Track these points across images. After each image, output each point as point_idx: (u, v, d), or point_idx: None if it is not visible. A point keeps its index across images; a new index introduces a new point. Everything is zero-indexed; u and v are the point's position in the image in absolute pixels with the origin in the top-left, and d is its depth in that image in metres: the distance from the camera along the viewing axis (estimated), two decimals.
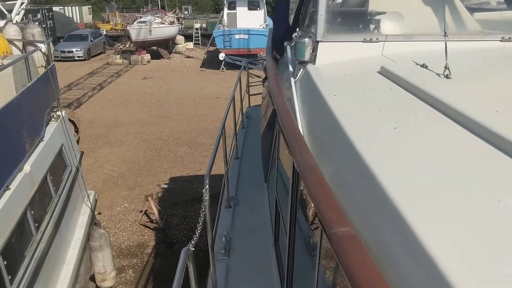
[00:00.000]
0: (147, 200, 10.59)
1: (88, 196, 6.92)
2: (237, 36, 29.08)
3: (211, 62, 31.65)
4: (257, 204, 4.72)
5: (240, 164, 5.98)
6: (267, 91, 4.87)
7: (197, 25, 40.76)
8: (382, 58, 3.27)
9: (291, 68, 3.63)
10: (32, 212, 5.66)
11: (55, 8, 46.47)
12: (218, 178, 6.59)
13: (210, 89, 24.35)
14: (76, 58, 33.61)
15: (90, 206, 6.74)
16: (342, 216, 1.56)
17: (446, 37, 2.77)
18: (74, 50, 33.77)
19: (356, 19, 4.03)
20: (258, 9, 31.47)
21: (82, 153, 7.47)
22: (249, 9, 31.36)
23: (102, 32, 40.78)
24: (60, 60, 33.01)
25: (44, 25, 37.66)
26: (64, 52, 33.69)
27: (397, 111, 2.46)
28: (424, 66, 2.89)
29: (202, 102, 21.55)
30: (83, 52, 33.97)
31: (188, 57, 35.20)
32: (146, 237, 10.14)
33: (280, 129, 3.09)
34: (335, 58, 3.42)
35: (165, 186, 12.51)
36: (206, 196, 3.14)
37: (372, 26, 3.92)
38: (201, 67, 31.46)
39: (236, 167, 5.87)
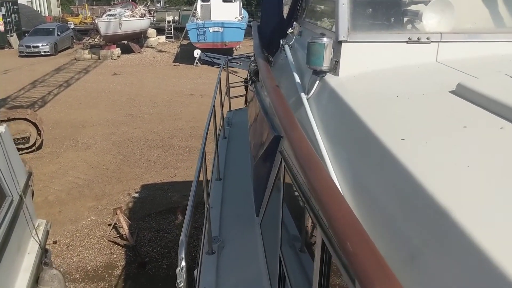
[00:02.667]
0: (116, 214, 9.59)
1: (36, 229, 5.60)
2: (211, 29, 27.99)
3: (184, 56, 30.49)
4: (248, 247, 3.68)
5: (223, 188, 4.87)
6: (257, 101, 3.84)
7: (170, 18, 39.42)
8: (439, 67, 2.22)
9: (297, 79, 2.55)
10: None
11: (23, 1, 44.52)
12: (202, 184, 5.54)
13: (184, 85, 23.25)
14: (42, 54, 31.93)
15: (39, 242, 5.47)
16: None
17: None
18: (40, 45, 32.06)
19: (388, 11, 2.87)
20: (233, 1, 30.32)
21: (30, 174, 6.17)
22: (224, 1, 30.18)
23: (70, 26, 39.12)
24: (25, 56, 31.81)
25: (8, 19, 36.11)
26: (29, 47, 32.02)
27: None
28: None
29: (175, 99, 20.45)
30: (49, 47, 32.30)
31: (160, 51, 33.94)
32: (115, 255, 9.10)
33: (292, 176, 2.09)
34: (366, 67, 2.34)
35: (136, 195, 11.45)
36: (181, 283, 2.10)
37: (405, 20, 2.87)
38: (174, 61, 30.27)
39: (219, 193, 4.75)
